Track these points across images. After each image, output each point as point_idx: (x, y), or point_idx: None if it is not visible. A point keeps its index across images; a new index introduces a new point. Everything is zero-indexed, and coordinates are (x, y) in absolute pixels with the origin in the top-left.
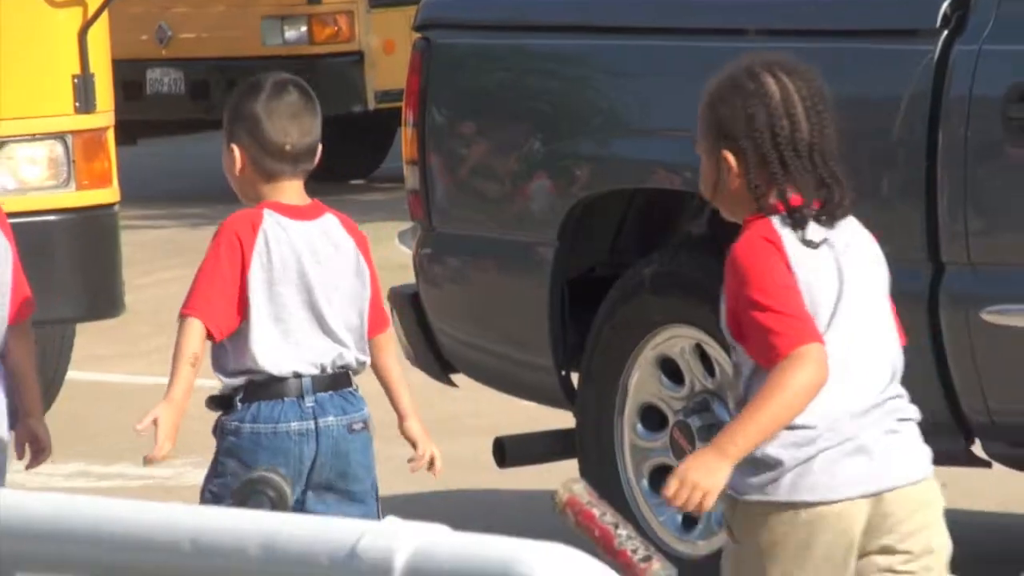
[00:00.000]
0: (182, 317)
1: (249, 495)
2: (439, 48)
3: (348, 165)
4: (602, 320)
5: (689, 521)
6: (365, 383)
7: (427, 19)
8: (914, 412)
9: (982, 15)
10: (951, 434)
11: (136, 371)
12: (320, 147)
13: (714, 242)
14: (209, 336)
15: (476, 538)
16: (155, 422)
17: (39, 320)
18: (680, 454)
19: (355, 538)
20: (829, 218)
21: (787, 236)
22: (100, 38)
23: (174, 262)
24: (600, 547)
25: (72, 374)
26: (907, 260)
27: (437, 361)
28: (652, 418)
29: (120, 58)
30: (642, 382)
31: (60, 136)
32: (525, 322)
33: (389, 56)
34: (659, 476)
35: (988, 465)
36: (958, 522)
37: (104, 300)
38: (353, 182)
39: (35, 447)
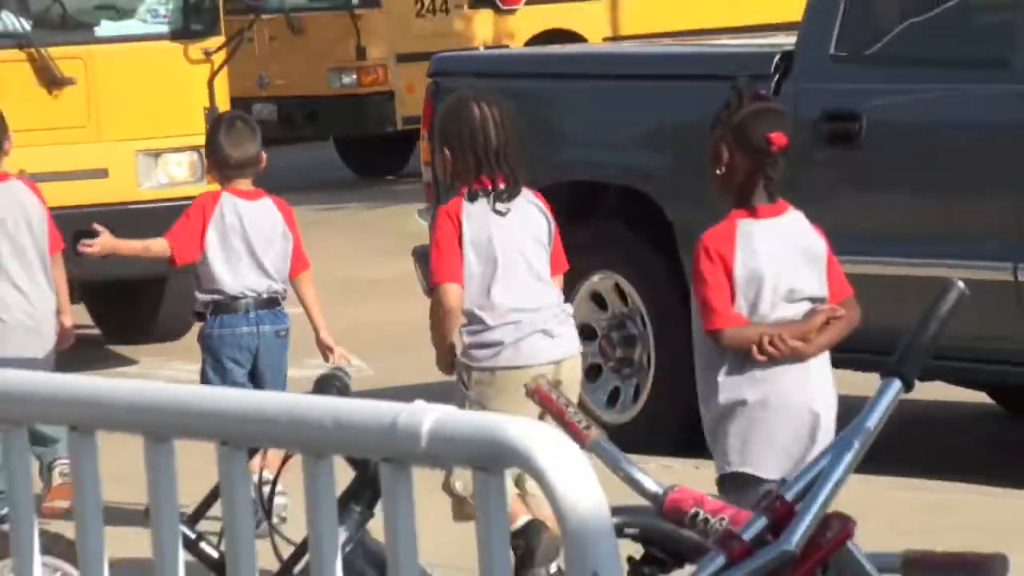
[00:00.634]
0: (161, 239)
1: (323, 386)
2: (444, 89)
3: (384, 166)
4: None
5: (611, 399)
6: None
7: (436, 69)
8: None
9: (800, 64)
10: None
11: None
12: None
13: (620, 217)
14: (171, 259)
15: (479, 414)
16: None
17: (186, 270)
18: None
19: (396, 413)
20: (508, 197)
21: (472, 207)
22: (221, 83)
23: None
24: (555, 419)
25: None
26: None
27: None
28: (587, 332)
29: (235, 96)
30: (578, 308)
31: (195, 148)
32: None
33: (411, 94)
34: (593, 372)
35: None
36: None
37: None
38: (388, 177)
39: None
